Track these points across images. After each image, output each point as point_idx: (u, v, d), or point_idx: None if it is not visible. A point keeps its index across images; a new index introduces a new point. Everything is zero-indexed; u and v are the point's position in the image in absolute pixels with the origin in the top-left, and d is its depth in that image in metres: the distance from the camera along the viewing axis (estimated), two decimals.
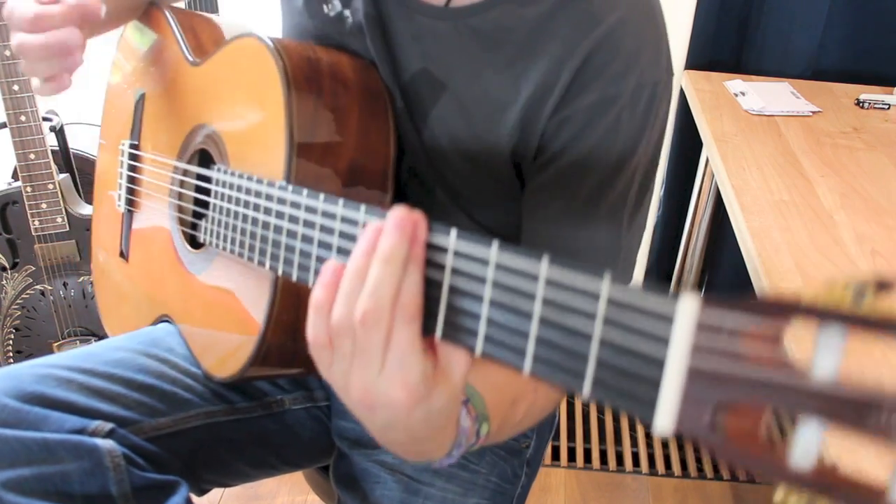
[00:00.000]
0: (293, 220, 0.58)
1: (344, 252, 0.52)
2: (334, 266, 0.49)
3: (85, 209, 1.56)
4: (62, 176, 1.54)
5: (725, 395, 0.32)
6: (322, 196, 0.55)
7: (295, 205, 0.58)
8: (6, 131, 1.46)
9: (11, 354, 1.61)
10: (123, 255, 1.01)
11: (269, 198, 0.62)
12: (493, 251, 0.43)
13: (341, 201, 0.53)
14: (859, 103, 1.57)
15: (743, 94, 1.59)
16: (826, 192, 1.23)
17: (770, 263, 1.03)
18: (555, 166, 0.74)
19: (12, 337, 1.60)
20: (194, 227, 0.83)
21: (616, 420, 1.91)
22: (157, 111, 0.96)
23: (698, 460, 1.81)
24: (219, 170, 0.74)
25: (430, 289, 0.47)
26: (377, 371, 0.48)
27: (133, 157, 0.99)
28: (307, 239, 0.56)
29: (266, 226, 0.63)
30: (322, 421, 0.95)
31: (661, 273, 1.96)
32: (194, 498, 0.84)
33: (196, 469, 0.86)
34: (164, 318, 0.92)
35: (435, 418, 0.51)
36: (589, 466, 1.78)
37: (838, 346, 0.29)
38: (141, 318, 0.96)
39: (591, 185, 0.73)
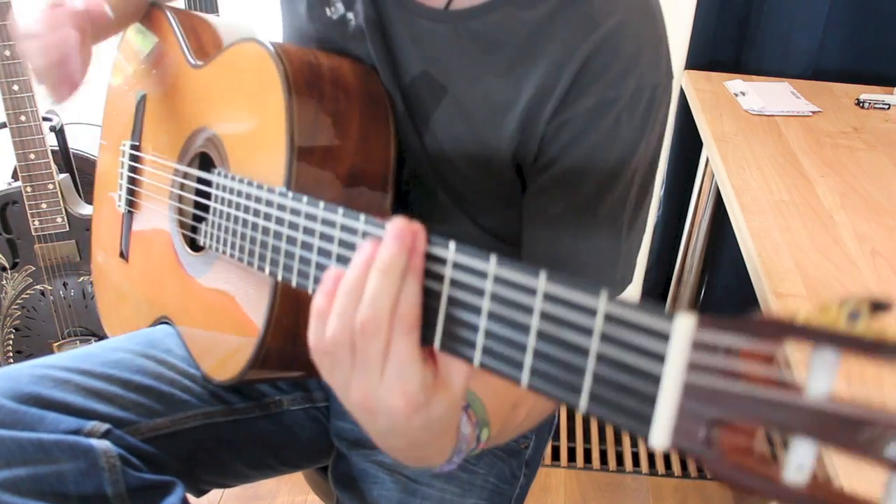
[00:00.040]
0: (293, 226, 0.59)
1: (343, 260, 0.52)
2: (336, 274, 0.50)
3: (85, 209, 1.56)
4: (62, 176, 1.54)
5: (720, 412, 0.32)
6: (322, 204, 0.55)
7: (295, 212, 0.58)
8: (6, 131, 1.46)
9: (11, 354, 1.61)
10: (123, 255, 1.01)
11: (269, 204, 0.63)
12: (492, 264, 0.44)
13: (341, 210, 0.53)
14: (859, 103, 1.57)
15: (743, 94, 1.59)
16: (826, 192, 1.23)
17: (770, 263, 1.03)
18: (554, 169, 0.74)
19: (12, 337, 1.60)
20: (194, 229, 0.84)
21: None
22: (158, 113, 0.97)
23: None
24: (219, 174, 0.75)
25: (429, 300, 0.47)
26: (377, 379, 0.48)
27: (134, 158, 0.99)
28: (307, 246, 0.57)
29: (266, 231, 0.63)
30: (321, 422, 0.96)
31: (661, 273, 1.96)
32: (194, 498, 0.85)
33: (194, 470, 0.86)
34: (163, 320, 0.92)
35: (435, 426, 0.51)
36: (589, 466, 1.78)
37: (832, 366, 0.30)
38: (141, 318, 0.96)
39: (590, 187, 0.73)
